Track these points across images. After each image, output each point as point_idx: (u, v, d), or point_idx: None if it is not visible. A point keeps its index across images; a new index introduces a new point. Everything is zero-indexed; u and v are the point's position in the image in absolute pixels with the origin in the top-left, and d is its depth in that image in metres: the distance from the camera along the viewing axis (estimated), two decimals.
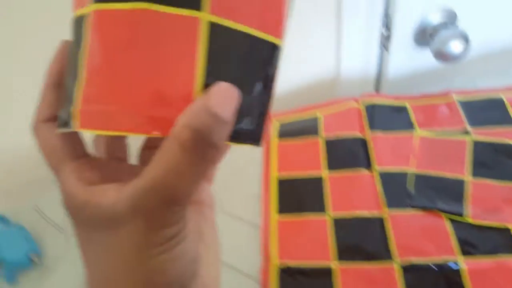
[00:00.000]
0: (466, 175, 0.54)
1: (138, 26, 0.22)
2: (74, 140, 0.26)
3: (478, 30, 0.64)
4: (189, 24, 0.22)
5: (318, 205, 0.55)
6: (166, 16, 0.22)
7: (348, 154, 0.59)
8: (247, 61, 0.24)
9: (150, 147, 0.31)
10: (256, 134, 0.26)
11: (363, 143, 0.60)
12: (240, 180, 0.61)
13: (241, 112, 0.24)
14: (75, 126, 0.23)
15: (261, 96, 0.26)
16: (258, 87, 0.25)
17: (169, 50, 0.22)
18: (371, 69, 0.70)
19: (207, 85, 0.23)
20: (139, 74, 0.23)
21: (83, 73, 0.23)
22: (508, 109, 0.60)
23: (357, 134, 0.61)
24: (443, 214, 0.51)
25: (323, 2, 0.60)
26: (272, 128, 0.65)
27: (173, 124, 0.22)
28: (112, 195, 0.23)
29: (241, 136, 0.25)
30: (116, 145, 0.30)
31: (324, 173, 0.57)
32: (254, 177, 0.61)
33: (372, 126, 0.61)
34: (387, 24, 0.63)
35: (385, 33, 0.64)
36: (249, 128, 0.25)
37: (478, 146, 0.56)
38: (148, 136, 0.23)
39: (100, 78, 0.23)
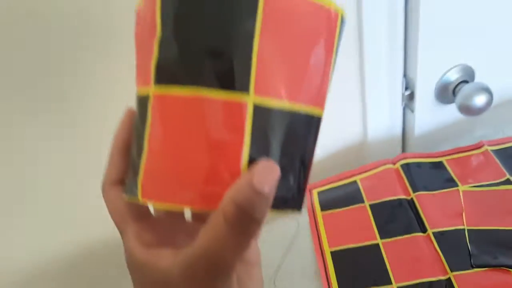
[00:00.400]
0: None
1: (193, 110, 0.25)
2: (139, 204, 0.29)
3: (496, 80, 0.66)
4: (237, 107, 0.25)
5: (380, 277, 0.53)
6: (218, 100, 0.25)
7: (397, 218, 0.59)
8: (289, 135, 0.26)
9: None
10: (297, 201, 0.28)
11: (410, 204, 0.60)
12: (292, 257, 0.60)
13: (282, 182, 0.26)
14: (139, 196, 0.26)
15: (302, 165, 0.28)
16: (299, 157, 0.27)
17: (221, 131, 0.25)
18: (397, 129, 0.71)
19: (251, 161, 0.25)
20: (193, 154, 0.25)
21: (146, 148, 0.26)
22: None
23: (401, 196, 0.61)
24: (510, 269, 0.50)
25: (346, 66, 0.62)
26: (313, 199, 0.65)
27: (221, 198, 0.24)
28: (167, 260, 0.26)
29: (282, 204, 0.26)
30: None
31: (379, 241, 0.57)
32: (306, 253, 0.60)
33: (414, 186, 0.62)
34: (408, 85, 0.65)
35: (407, 94, 0.66)
36: (289, 196, 0.27)
37: None
38: (200, 210, 0.25)
39: (160, 155, 0.26)
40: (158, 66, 0.25)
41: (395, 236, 0.57)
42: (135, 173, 0.27)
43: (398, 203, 0.61)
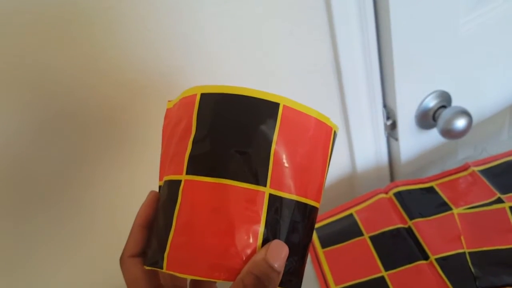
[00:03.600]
0: None
1: (218, 196, 0.30)
2: (153, 273, 0.33)
3: (471, 102, 0.69)
4: (257, 196, 0.30)
5: None
6: (240, 189, 0.30)
7: (398, 247, 0.60)
8: (294, 221, 0.32)
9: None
10: (298, 278, 0.34)
11: (408, 232, 0.61)
12: None
13: (288, 259, 0.31)
14: (164, 267, 0.30)
15: (303, 247, 0.34)
16: (301, 239, 0.33)
17: (242, 214, 0.30)
18: (383, 158, 0.73)
19: (265, 241, 0.30)
20: (217, 232, 0.30)
21: (174, 226, 0.30)
22: None
23: (399, 224, 0.62)
24: None
25: (329, 103, 0.64)
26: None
27: (239, 271, 0.29)
28: None
29: (287, 279, 0.32)
30: (179, 278, 0.37)
31: (383, 273, 0.57)
32: None
33: (409, 213, 0.63)
34: (389, 114, 0.67)
35: (389, 123, 0.68)
36: (293, 272, 0.33)
37: None
38: (220, 281, 0.30)
39: (187, 232, 0.30)
40: (191, 159, 0.31)
41: (399, 266, 0.57)
42: (162, 246, 0.31)
43: (396, 232, 0.61)
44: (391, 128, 0.68)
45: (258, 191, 0.30)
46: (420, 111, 0.66)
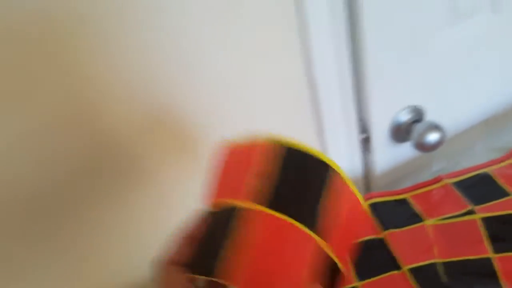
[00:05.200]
0: (490, 253, 0.56)
1: (277, 233, 0.34)
2: (190, 280, 0.35)
3: (445, 116, 0.71)
4: (310, 242, 0.34)
5: None
6: (298, 230, 0.34)
7: (372, 258, 0.60)
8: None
9: None
10: None
11: (382, 243, 0.61)
12: None
13: None
14: (215, 275, 0.33)
15: None
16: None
17: (296, 255, 0.34)
18: (358, 171, 0.74)
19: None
20: (271, 269, 0.33)
21: (230, 248, 0.33)
22: (498, 182, 0.65)
23: (373, 236, 0.62)
24: None
25: (304, 119, 0.65)
26: None
27: None
28: None
29: None
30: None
31: (357, 284, 0.57)
32: None
33: (383, 224, 0.63)
34: (364, 128, 0.68)
35: (363, 137, 0.69)
36: None
37: (488, 222, 0.59)
38: None
39: (244, 260, 0.33)
40: (257, 193, 0.34)
41: (373, 276, 0.58)
42: (215, 262, 0.34)
43: (371, 243, 0.62)
44: (366, 142, 0.69)
45: (312, 238, 0.34)
46: (394, 125, 0.68)
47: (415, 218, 0.63)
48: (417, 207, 0.65)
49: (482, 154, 0.70)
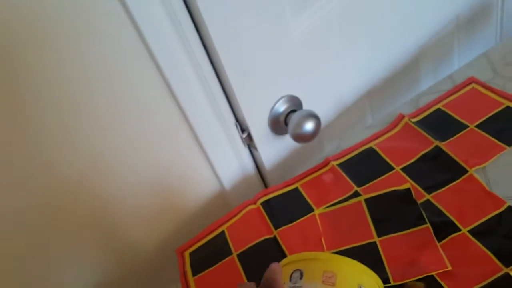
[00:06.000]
0: (375, 237, 0.56)
1: None
2: None
3: (323, 100, 0.69)
4: None
5: None
6: None
7: (264, 261, 0.58)
8: None
9: None
10: None
11: (275, 243, 0.60)
12: None
13: None
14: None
15: None
16: None
17: None
18: (250, 169, 0.71)
19: None
20: None
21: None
22: (382, 156, 0.64)
23: (265, 236, 0.61)
24: None
25: (178, 133, 0.61)
26: (185, 264, 0.63)
27: None
28: None
29: None
30: None
31: None
32: None
33: (275, 222, 0.62)
34: (242, 127, 0.65)
35: (245, 136, 0.66)
36: None
37: (371, 203, 0.59)
38: None
39: None
40: None
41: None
42: None
43: (263, 245, 0.60)
44: (249, 139, 0.66)
45: None
46: (271, 118, 0.65)
47: (306, 209, 0.62)
48: (307, 196, 0.64)
49: (371, 129, 0.69)
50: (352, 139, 0.69)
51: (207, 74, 0.57)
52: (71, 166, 0.54)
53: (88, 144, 0.54)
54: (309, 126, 0.61)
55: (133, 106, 0.54)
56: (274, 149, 0.69)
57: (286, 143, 0.70)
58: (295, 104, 0.65)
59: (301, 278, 0.43)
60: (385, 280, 0.51)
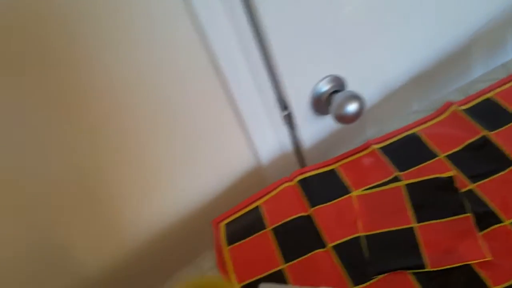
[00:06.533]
0: (413, 222, 0.55)
1: None
2: None
3: (368, 82, 0.68)
4: None
5: None
6: None
7: (298, 237, 0.59)
8: None
9: None
10: None
11: (309, 221, 0.60)
12: None
13: None
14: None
15: None
16: None
17: None
18: (288, 147, 0.72)
19: None
20: None
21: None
22: (426, 143, 0.63)
23: (300, 213, 0.61)
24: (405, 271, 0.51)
25: (217, 106, 0.62)
26: (220, 234, 0.64)
27: None
28: None
29: None
30: None
31: (283, 266, 0.57)
32: None
33: (312, 200, 0.62)
34: (284, 104, 0.65)
35: (286, 114, 0.66)
36: None
37: (411, 189, 0.58)
38: None
39: None
40: None
41: (298, 257, 0.57)
42: None
43: (298, 222, 0.61)
44: (290, 117, 0.66)
45: None
46: (313, 97, 0.65)
47: (343, 190, 0.62)
48: (345, 177, 0.63)
49: (415, 115, 0.67)
50: (395, 124, 0.67)
51: (252, 48, 0.57)
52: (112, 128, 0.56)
53: (127, 112, 0.55)
54: (352, 107, 0.61)
55: (176, 74, 0.55)
56: (313, 129, 0.69)
57: (326, 124, 0.70)
58: (338, 85, 0.65)
59: None
60: (420, 266, 0.51)
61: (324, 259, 0.55)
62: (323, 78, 0.63)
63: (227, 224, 0.65)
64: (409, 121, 0.67)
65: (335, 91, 0.64)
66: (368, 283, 0.51)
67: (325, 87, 0.64)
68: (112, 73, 0.51)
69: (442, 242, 0.52)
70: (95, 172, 0.58)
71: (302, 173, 0.66)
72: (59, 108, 0.50)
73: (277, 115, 0.65)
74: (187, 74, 0.55)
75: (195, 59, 0.55)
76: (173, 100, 0.57)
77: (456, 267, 0.50)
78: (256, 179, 0.73)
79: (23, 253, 0.58)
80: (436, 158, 0.61)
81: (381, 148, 0.65)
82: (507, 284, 0.47)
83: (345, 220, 0.58)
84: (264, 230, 0.61)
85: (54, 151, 0.53)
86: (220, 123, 0.63)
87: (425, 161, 0.61)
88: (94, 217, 0.62)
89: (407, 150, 0.63)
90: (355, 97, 0.61)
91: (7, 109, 0.47)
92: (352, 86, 0.66)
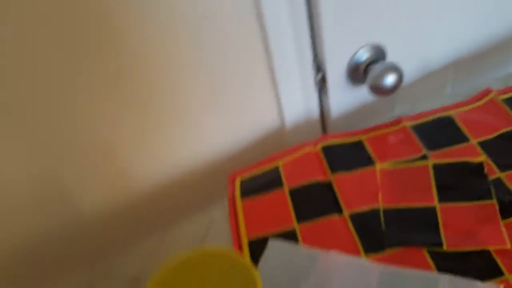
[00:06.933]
0: (436, 202, 0.54)
1: None
2: None
3: (409, 57, 0.66)
4: None
5: None
6: None
7: (315, 201, 0.58)
8: None
9: None
10: None
11: (328, 187, 0.59)
12: None
13: None
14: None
15: None
16: None
17: None
18: (314, 113, 0.70)
19: None
20: None
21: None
22: (460, 127, 0.61)
23: (320, 178, 0.60)
24: (422, 248, 0.50)
25: (252, 56, 0.60)
26: (235, 188, 0.63)
27: None
28: None
29: None
30: None
31: (296, 225, 0.56)
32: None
33: (333, 167, 0.61)
34: (319, 67, 0.63)
35: (319, 77, 0.64)
36: None
37: (439, 169, 0.57)
38: None
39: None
40: None
41: (312, 219, 0.56)
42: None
43: (317, 186, 0.60)
44: (322, 82, 0.65)
45: None
46: (351, 65, 0.63)
47: (367, 161, 0.61)
48: (371, 150, 0.62)
49: (447, 99, 0.66)
50: (426, 105, 0.66)
51: (299, 4, 0.55)
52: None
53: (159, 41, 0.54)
54: (390, 79, 0.59)
55: (214, 7, 0.53)
56: (345, 98, 0.67)
57: (358, 94, 0.68)
58: (378, 55, 0.63)
59: None
60: (438, 244, 0.49)
61: (338, 225, 0.54)
62: (365, 45, 0.61)
63: (244, 180, 0.64)
64: (442, 103, 0.65)
65: (373, 61, 0.62)
66: (381, 253, 0.51)
67: (364, 55, 0.62)
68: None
69: (463, 225, 0.51)
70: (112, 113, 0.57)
71: (326, 139, 0.65)
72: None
73: (310, 77, 0.64)
74: (226, 10, 0.53)
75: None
76: (205, 35, 0.55)
77: (474, 251, 0.49)
78: (275, 141, 0.72)
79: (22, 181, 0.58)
80: (468, 143, 0.59)
81: (413, 126, 0.63)
82: None
83: (366, 191, 0.57)
84: (281, 190, 0.60)
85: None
86: (250, 73, 0.61)
87: (456, 144, 0.59)
88: (104, 157, 0.62)
89: (439, 131, 0.62)
90: (395, 69, 0.59)
91: None
92: (391, 58, 0.64)
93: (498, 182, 0.54)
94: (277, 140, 0.72)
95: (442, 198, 0.54)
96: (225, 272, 0.41)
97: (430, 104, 0.65)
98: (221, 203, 0.62)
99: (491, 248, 0.48)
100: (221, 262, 0.42)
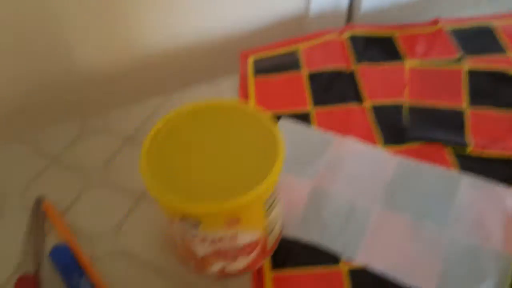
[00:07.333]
0: (464, 105, 0.50)
1: None
2: None
3: None
4: None
5: None
6: None
7: (334, 88, 0.53)
8: None
9: None
10: None
11: (350, 76, 0.54)
12: None
13: None
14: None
15: None
16: None
17: None
18: (342, 3, 0.64)
19: None
20: None
21: None
22: (498, 37, 0.56)
23: (343, 66, 0.55)
24: (444, 145, 0.47)
25: None
26: (248, 65, 0.58)
27: None
28: None
29: None
30: None
31: (311, 108, 0.52)
32: None
33: (358, 57, 0.56)
34: None
35: None
36: None
37: (474, 75, 0.52)
38: None
39: None
40: None
41: (329, 104, 0.52)
42: None
43: (337, 74, 0.55)
44: None
45: None
46: None
47: (396, 56, 0.56)
48: (402, 46, 0.57)
49: (489, 7, 0.60)
50: (468, 12, 0.61)
51: None
52: None
53: None
54: None
55: None
56: None
57: None
58: None
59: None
60: (462, 145, 0.46)
61: (357, 114, 0.50)
62: None
63: (258, 59, 0.59)
64: (481, 11, 0.60)
65: None
66: (400, 146, 0.47)
67: None
68: None
69: (491, 130, 0.47)
70: None
71: (353, 29, 0.59)
72: None
73: None
74: None
75: None
76: None
77: (498, 159, 0.46)
78: (294, 28, 0.66)
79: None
80: (505, 54, 0.55)
81: (451, 29, 0.58)
82: None
83: (392, 85, 0.53)
84: (299, 72, 0.55)
85: None
86: None
87: (493, 53, 0.55)
88: (115, 16, 0.55)
89: (477, 38, 0.57)
90: None
91: None
92: None
93: None
94: (296, 27, 0.66)
95: (473, 102, 0.50)
96: (239, 126, 0.35)
97: (469, 10, 0.60)
98: (231, 78, 0.57)
99: None
100: (234, 115, 0.35)
